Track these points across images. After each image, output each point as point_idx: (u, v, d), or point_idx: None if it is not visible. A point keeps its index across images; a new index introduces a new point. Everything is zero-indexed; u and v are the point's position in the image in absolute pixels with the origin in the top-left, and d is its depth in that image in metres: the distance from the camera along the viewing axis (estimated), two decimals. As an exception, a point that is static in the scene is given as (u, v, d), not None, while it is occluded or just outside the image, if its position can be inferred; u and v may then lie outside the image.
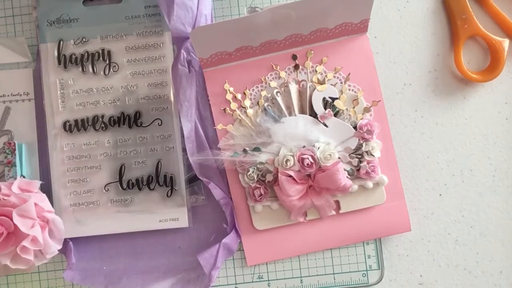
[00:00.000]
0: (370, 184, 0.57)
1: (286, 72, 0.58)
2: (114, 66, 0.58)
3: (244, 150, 0.56)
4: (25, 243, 0.52)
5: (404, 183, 0.59)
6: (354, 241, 0.58)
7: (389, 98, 0.60)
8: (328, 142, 0.55)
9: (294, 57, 0.58)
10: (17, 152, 0.58)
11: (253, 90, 0.58)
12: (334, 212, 0.57)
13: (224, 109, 0.57)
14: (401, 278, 0.59)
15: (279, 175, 0.55)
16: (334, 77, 0.57)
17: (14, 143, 0.58)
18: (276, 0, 0.60)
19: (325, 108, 0.56)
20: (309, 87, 0.57)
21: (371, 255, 0.59)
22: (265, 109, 0.57)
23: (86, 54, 0.58)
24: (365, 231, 0.58)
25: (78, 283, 0.57)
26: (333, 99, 0.57)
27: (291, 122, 0.56)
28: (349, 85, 0.57)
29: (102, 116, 0.58)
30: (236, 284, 0.59)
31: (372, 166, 0.56)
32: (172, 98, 0.58)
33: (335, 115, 0.56)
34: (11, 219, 0.52)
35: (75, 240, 0.58)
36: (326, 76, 0.57)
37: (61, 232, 0.55)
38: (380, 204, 0.57)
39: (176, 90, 0.56)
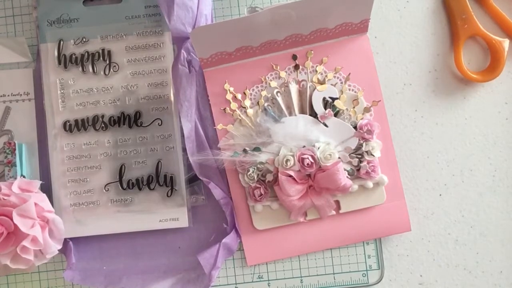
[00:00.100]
0: (370, 184, 0.57)
1: (286, 72, 0.58)
2: (114, 66, 0.58)
3: (244, 150, 0.56)
4: (25, 243, 0.52)
5: (404, 183, 0.59)
6: (354, 241, 0.58)
7: (389, 98, 0.60)
8: (328, 142, 0.55)
9: (294, 57, 0.58)
10: (17, 152, 0.58)
11: (253, 90, 0.58)
12: (334, 212, 0.57)
13: (224, 109, 0.58)
14: (401, 278, 0.59)
15: (279, 175, 0.55)
16: (334, 77, 0.57)
17: (14, 143, 0.58)
18: (276, 0, 0.60)
19: (325, 108, 0.56)
20: (309, 87, 0.57)
21: (371, 255, 0.59)
22: (265, 109, 0.57)
23: (86, 54, 0.58)
24: (365, 231, 0.58)
25: (78, 283, 0.57)
26: (333, 99, 0.57)
27: (291, 122, 0.56)
28: (349, 85, 0.57)
29: (102, 116, 0.58)
30: (236, 284, 0.59)
31: (372, 166, 0.56)
32: (172, 98, 0.58)
33: (335, 115, 0.56)
34: (11, 219, 0.52)
35: (75, 240, 0.58)
36: (326, 76, 0.57)
37: (61, 232, 0.55)
38: (380, 204, 0.57)
39: (176, 90, 0.56)
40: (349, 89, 0.57)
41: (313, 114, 0.56)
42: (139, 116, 0.58)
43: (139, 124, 0.58)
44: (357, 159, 0.56)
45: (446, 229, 0.60)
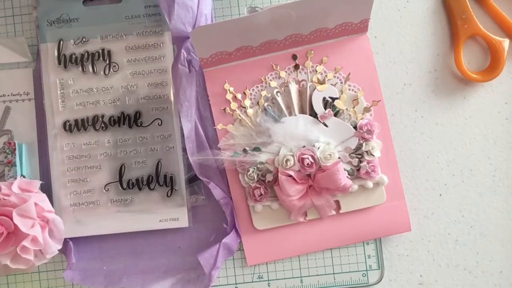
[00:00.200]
0: (370, 184, 0.57)
1: (286, 72, 0.58)
2: (114, 66, 0.58)
3: (244, 150, 0.56)
4: (25, 243, 0.52)
5: (404, 183, 0.59)
6: (354, 241, 0.58)
7: (389, 98, 0.60)
8: (328, 142, 0.55)
9: (294, 57, 0.58)
10: (17, 152, 0.58)
11: (253, 90, 0.58)
12: (334, 212, 0.57)
13: (224, 109, 0.57)
14: (401, 278, 0.59)
15: (279, 175, 0.55)
16: (334, 77, 0.57)
17: (14, 143, 0.58)
18: (276, 0, 0.60)
19: (325, 108, 0.56)
20: (309, 87, 0.57)
21: (371, 255, 0.59)
22: (265, 109, 0.57)
23: (86, 54, 0.58)
24: (365, 231, 0.58)
25: (78, 283, 0.57)
26: (333, 99, 0.57)
27: (291, 122, 0.56)
28: (349, 85, 0.57)
29: (102, 116, 0.58)
30: (236, 284, 0.59)
31: (372, 166, 0.56)
32: (172, 98, 0.58)
33: (335, 115, 0.56)
34: (11, 219, 0.52)
35: (75, 240, 0.58)
36: (326, 76, 0.57)
37: (61, 232, 0.55)
38: (380, 204, 0.57)
39: (176, 90, 0.56)
40: (349, 89, 0.57)
41: (313, 114, 0.56)
42: (139, 116, 0.58)
43: (139, 124, 0.58)
44: (357, 159, 0.56)
45: (446, 229, 0.60)
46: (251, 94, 0.58)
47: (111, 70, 0.58)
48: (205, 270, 0.56)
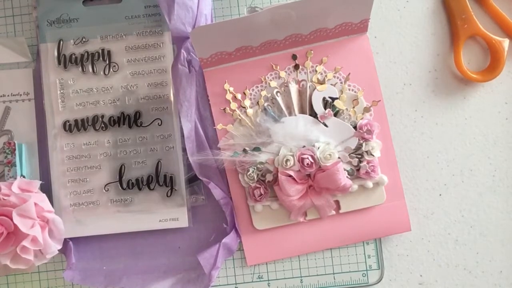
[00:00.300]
0: (370, 184, 0.57)
1: (286, 72, 0.58)
2: (114, 66, 0.58)
3: (244, 150, 0.56)
4: (25, 243, 0.52)
5: (404, 183, 0.59)
6: (354, 241, 0.58)
7: (389, 98, 0.60)
8: (328, 142, 0.55)
9: (294, 57, 0.58)
10: (17, 152, 0.58)
11: (253, 90, 0.58)
12: (334, 212, 0.57)
13: (224, 109, 0.57)
14: (401, 278, 0.59)
15: (279, 175, 0.55)
16: (334, 77, 0.57)
17: (14, 143, 0.58)
18: (276, 0, 0.60)
19: (325, 108, 0.56)
20: (309, 87, 0.57)
21: (371, 255, 0.59)
22: (265, 109, 0.57)
23: (86, 54, 0.58)
24: (365, 231, 0.58)
25: (78, 283, 0.57)
26: (333, 99, 0.57)
27: (291, 122, 0.56)
28: (349, 85, 0.57)
29: (102, 116, 0.58)
30: (236, 284, 0.59)
31: (372, 166, 0.56)
32: (172, 98, 0.58)
33: (335, 115, 0.56)
34: (11, 219, 0.52)
35: (75, 240, 0.58)
36: (326, 76, 0.57)
37: (61, 232, 0.55)
38: (380, 204, 0.57)
39: (176, 90, 0.56)
40: (349, 89, 0.57)
41: (313, 114, 0.56)
42: (139, 116, 0.58)
43: (139, 124, 0.58)
44: (357, 159, 0.56)
45: (446, 229, 0.60)
46: (251, 94, 0.58)
47: (111, 70, 0.58)
48: (205, 270, 0.56)
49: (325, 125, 0.56)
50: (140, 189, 0.58)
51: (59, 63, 0.58)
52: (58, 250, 0.55)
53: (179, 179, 0.58)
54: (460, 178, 0.60)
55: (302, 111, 0.57)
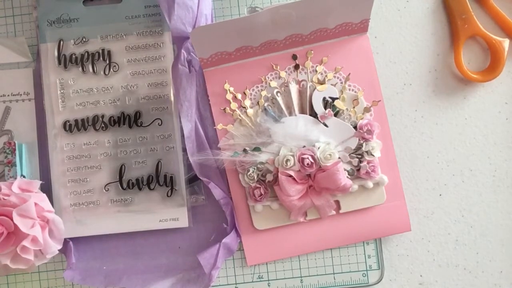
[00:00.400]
0: (370, 184, 0.57)
1: (286, 72, 0.58)
2: (114, 66, 0.58)
3: (244, 150, 0.56)
4: (25, 243, 0.52)
5: (404, 183, 0.59)
6: (354, 241, 0.58)
7: (389, 98, 0.60)
8: (328, 142, 0.55)
9: (294, 57, 0.58)
10: (17, 152, 0.58)
11: (253, 90, 0.58)
12: (334, 212, 0.57)
13: (224, 109, 0.58)
14: (401, 278, 0.59)
15: (279, 175, 0.55)
16: (334, 77, 0.57)
17: (14, 143, 0.58)
18: (276, 0, 0.60)
19: (325, 108, 0.56)
20: (309, 87, 0.57)
21: (371, 255, 0.59)
22: (265, 109, 0.57)
23: (86, 54, 0.58)
24: (365, 231, 0.58)
25: (78, 283, 0.57)
26: (333, 99, 0.57)
27: (291, 122, 0.56)
28: (349, 85, 0.57)
29: (102, 116, 0.58)
30: (236, 284, 0.59)
31: (372, 166, 0.56)
32: (172, 98, 0.58)
33: (335, 115, 0.56)
34: (11, 219, 0.52)
35: (75, 240, 0.58)
36: (326, 76, 0.57)
37: (61, 232, 0.55)
38: (380, 204, 0.57)
39: (176, 90, 0.56)
40: (349, 89, 0.57)
41: (313, 114, 0.56)
42: (139, 116, 0.58)
43: (139, 124, 0.58)
44: (357, 159, 0.56)
45: (446, 229, 0.60)
46: (251, 94, 0.58)
47: (111, 70, 0.58)
48: (205, 270, 0.56)
49: (325, 125, 0.56)
50: (140, 189, 0.58)
51: (59, 63, 0.58)
52: (58, 250, 0.55)
53: (179, 179, 0.58)
54: (460, 178, 0.60)
55: (302, 111, 0.57)
